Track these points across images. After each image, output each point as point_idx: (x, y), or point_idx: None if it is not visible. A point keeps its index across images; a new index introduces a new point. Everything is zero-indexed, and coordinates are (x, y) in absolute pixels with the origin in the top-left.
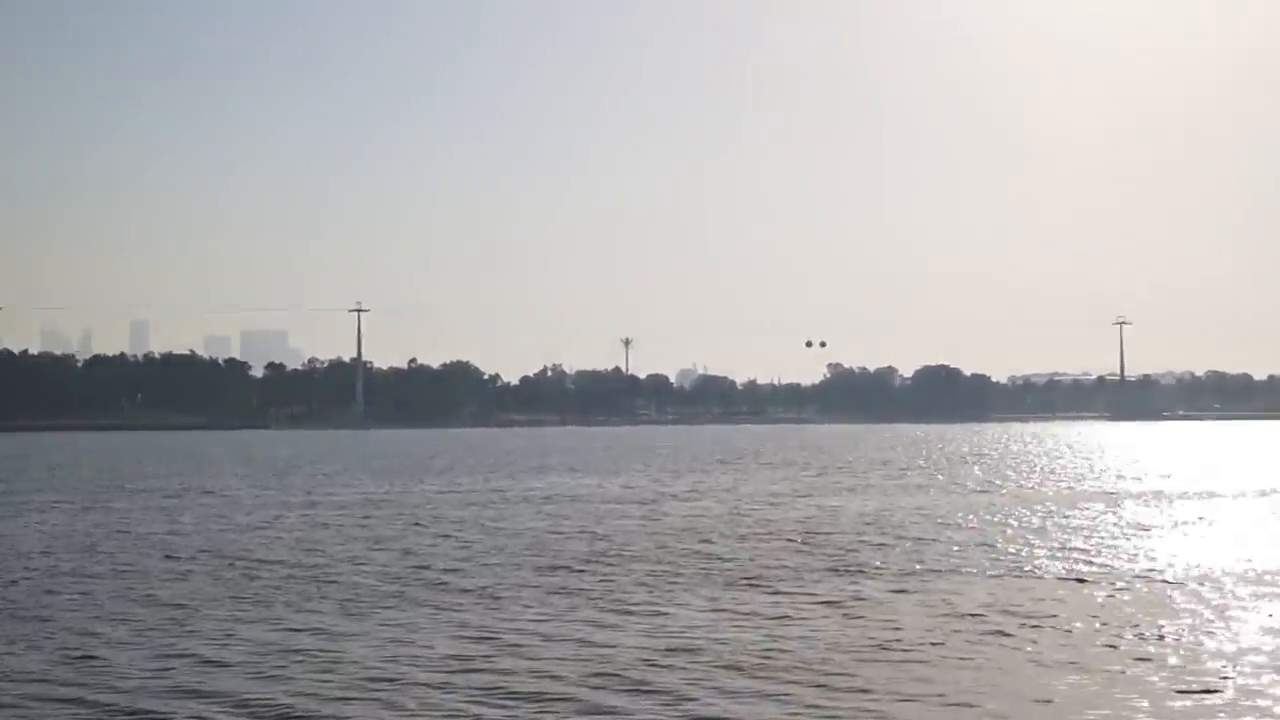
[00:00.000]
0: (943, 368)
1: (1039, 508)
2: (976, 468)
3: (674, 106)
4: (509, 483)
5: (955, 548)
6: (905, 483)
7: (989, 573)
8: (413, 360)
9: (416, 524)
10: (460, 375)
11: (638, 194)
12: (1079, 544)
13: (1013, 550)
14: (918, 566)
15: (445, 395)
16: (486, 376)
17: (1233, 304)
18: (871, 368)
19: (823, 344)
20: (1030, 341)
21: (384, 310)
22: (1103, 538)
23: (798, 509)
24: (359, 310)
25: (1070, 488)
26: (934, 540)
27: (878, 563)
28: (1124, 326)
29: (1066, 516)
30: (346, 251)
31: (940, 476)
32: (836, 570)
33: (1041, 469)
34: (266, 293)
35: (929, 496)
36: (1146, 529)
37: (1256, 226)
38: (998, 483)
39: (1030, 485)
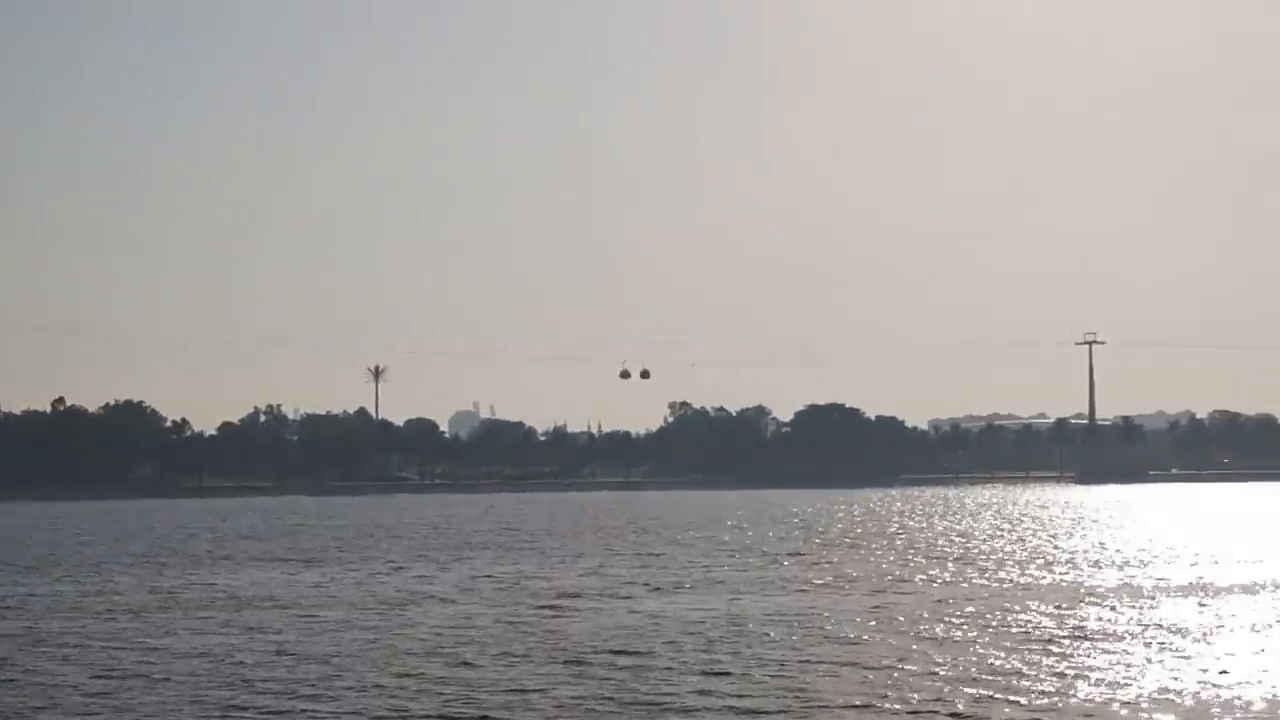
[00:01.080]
0: (835, 408)
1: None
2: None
3: (454, 78)
4: (183, 579)
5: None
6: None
7: None
8: (58, 401)
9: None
10: (128, 421)
11: (382, 158)
12: None
13: None
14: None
15: (105, 451)
16: (169, 423)
17: (1245, 321)
18: (733, 408)
19: (644, 374)
20: (961, 371)
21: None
22: None
23: (603, 612)
24: None
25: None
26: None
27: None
28: (1094, 346)
29: None
30: None
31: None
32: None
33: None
34: None
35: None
36: None
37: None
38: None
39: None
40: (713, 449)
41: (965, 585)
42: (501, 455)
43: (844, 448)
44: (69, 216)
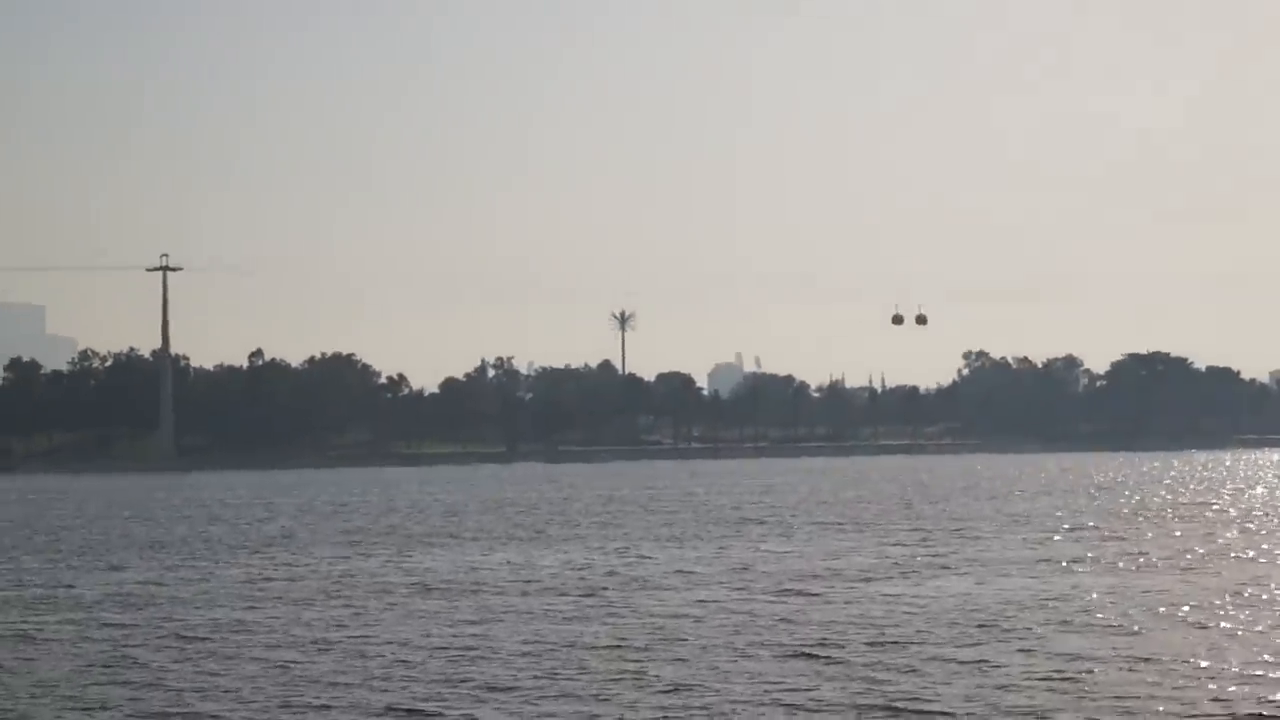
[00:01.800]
0: (1158, 358)
1: None
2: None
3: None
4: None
5: None
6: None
7: None
8: (256, 354)
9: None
10: (337, 378)
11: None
12: None
13: None
14: None
15: (312, 412)
16: (383, 380)
17: None
18: (1038, 359)
19: (921, 319)
20: None
21: (202, 269)
22: None
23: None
24: (164, 269)
25: None
26: None
27: None
28: None
29: None
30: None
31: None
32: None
33: None
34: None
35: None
36: None
37: None
38: None
39: None
40: (1014, 406)
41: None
42: (769, 414)
43: (1169, 404)
44: (266, 144)
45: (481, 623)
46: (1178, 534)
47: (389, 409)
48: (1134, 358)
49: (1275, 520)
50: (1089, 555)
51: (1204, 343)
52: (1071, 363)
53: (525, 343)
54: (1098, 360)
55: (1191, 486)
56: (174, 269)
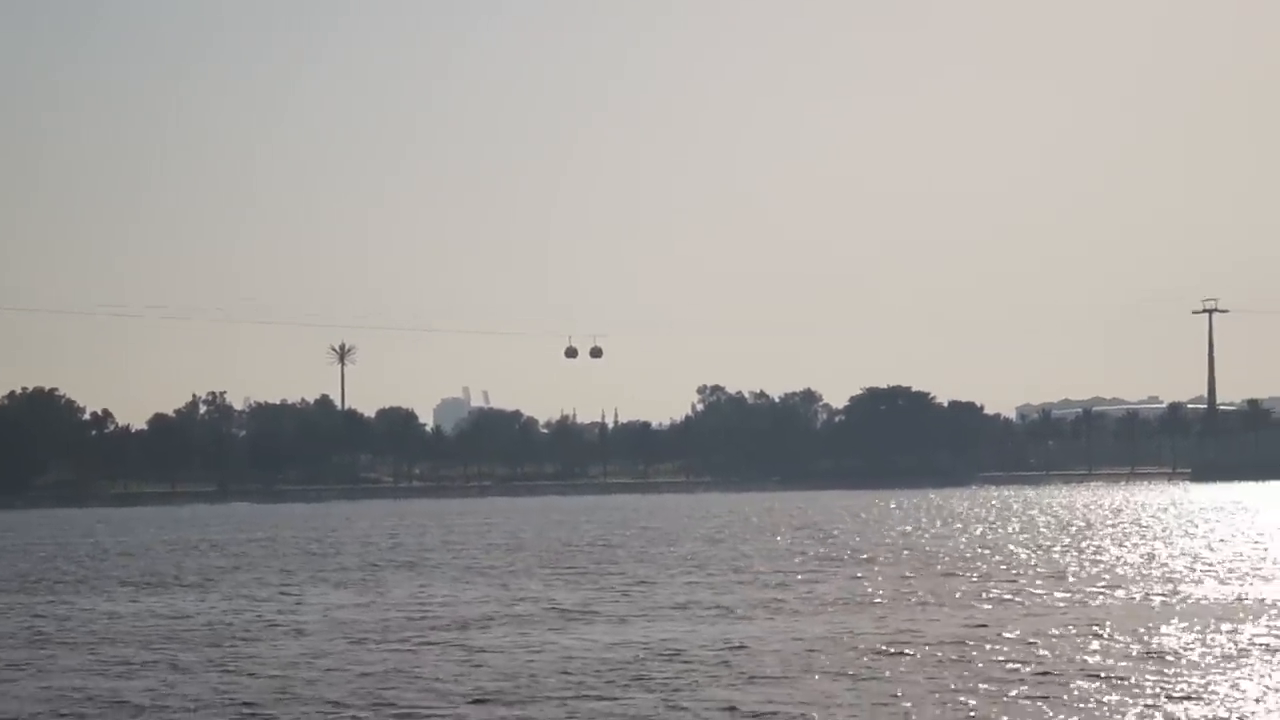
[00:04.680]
0: (899, 392)
1: None
2: None
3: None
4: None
5: None
6: None
7: None
8: None
9: None
10: (39, 414)
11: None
12: None
13: None
14: None
15: (14, 450)
16: (88, 415)
17: None
18: (775, 394)
19: (595, 351)
20: (1052, 348)
21: None
22: None
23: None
24: None
25: None
26: None
27: None
28: (1214, 315)
29: None
30: None
31: None
32: None
33: None
34: None
35: None
36: None
37: None
38: None
39: None
40: (750, 442)
41: (986, 609)
42: (495, 451)
43: (910, 441)
44: None
45: None
46: (860, 576)
47: (93, 446)
48: (873, 392)
49: (975, 565)
50: (781, 597)
51: (944, 379)
52: (810, 397)
53: (238, 376)
54: (837, 395)
55: (900, 528)
56: None
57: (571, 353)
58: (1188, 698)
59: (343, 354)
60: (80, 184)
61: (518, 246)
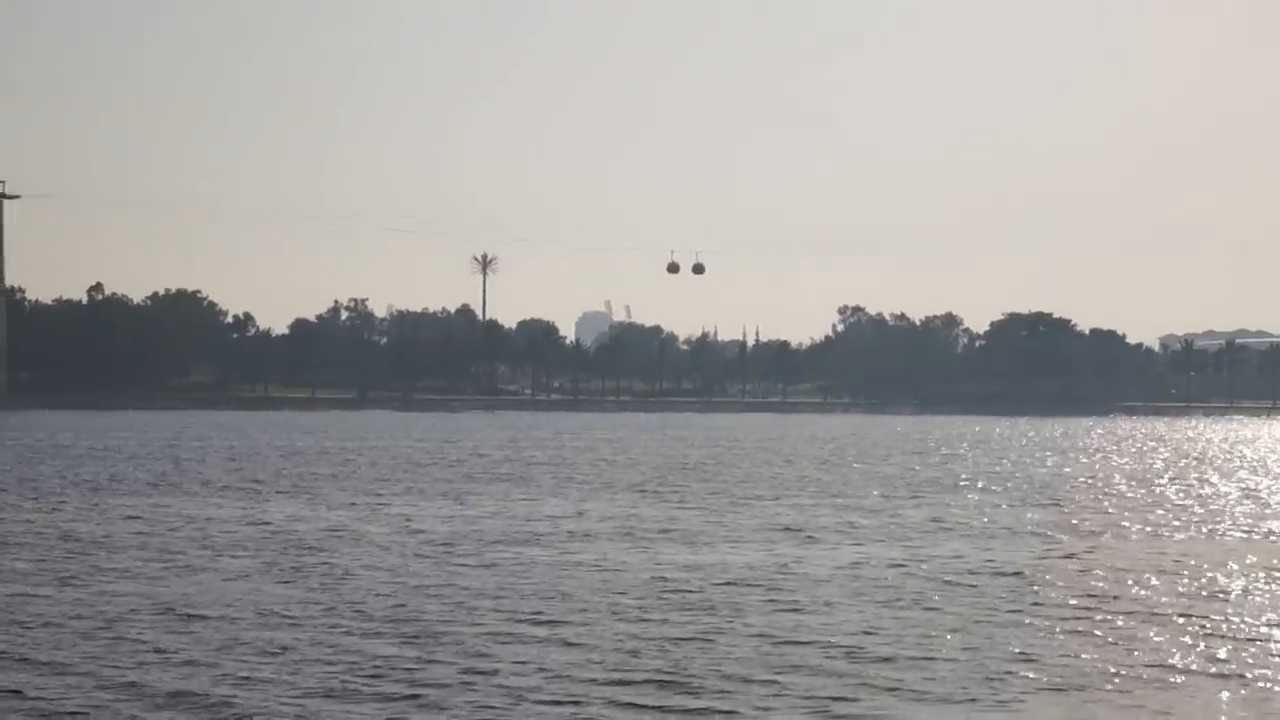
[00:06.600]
0: (1040, 319)
1: None
2: None
3: None
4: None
5: None
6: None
7: None
8: (96, 288)
9: None
10: (181, 315)
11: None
12: None
13: None
14: None
15: (153, 351)
16: (230, 319)
17: None
18: (916, 316)
19: (698, 268)
20: (1199, 277)
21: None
22: None
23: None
24: (1, 196)
25: None
26: None
27: None
28: None
29: None
30: None
31: None
32: None
33: None
34: None
35: None
36: None
37: None
38: None
39: None
40: (889, 365)
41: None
42: (634, 366)
43: (1050, 368)
44: (110, 70)
45: None
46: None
47: (234, 349)
48: (1014, 318)
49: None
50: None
51: (1090, 305)
52: (951, 321)
53: (381, 285)
54: (978, 320)
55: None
56: (11, 196)
57: (673, 268)
58: (1250, 639)
59: (485, 265)
60: (227, 93)
61: (658, 164)
